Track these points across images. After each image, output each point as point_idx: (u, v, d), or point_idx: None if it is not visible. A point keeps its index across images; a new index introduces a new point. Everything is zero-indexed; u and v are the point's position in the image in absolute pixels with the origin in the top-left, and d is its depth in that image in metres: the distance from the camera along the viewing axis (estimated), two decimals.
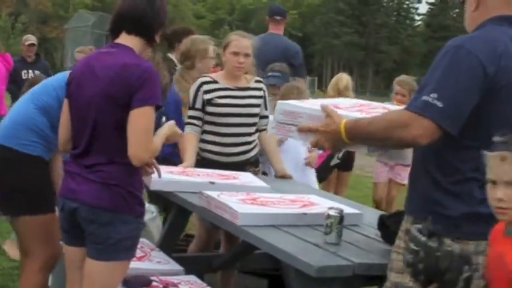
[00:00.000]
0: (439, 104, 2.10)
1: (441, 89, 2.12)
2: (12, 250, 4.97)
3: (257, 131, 4.24)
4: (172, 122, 3.07)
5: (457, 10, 66.86)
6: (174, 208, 3.90)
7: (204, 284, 3.38)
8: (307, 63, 6.52)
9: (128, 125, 2.64)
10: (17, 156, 3.35)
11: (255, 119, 4.20)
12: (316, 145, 2.46)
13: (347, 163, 6.36)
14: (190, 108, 4.16)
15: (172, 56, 5.42)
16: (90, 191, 2.68)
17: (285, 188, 3.81)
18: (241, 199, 3.17)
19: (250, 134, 4.19)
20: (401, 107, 2.40)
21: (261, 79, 4.40)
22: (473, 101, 2.13)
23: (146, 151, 2.68)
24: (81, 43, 13.28)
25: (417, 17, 75.53)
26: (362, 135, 2.32)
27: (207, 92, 4.12)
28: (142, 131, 2.64)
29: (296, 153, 4.87)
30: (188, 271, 3.51)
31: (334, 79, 6.61)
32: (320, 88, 41.46)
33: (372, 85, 64.18)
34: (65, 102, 2.88)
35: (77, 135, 2.78)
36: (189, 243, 4.48)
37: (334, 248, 2.64)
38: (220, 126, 4.11)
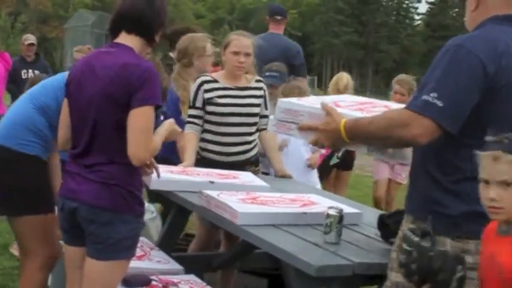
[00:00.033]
0: (439, 103, 2.10)
1: (441, 88, 2.12)
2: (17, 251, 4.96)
3: (257, 130, 4.24)
4: (171, 120, 3.07)
5: (456, 9, 66.92)
6: (174, 207, 3.90)
7: (204, 284, 3.38)
8: (306, 62, 6.51)
9: (128, 124, 2.64)
10: (15, 156, 3.35)
11: (255, 119, 4.20)
12: (316, 143, 2.46)
13: (347, 162, 6.35)
14: (190, 107, 4.16)
15: (174, 56, 5.41)
16: (90, 190, 2.68)
17: (285, 187, 3.81)
18: (241, 198, 3.17)
19: (250, 134, 4.19)
20: (403, 105, 2.40)
21: (262, 79, 4.40)
22: (474, 100, 2.13)
23: (146, 151, 2.67)
24: (81, 43, 13.26)
25: (417, 17, 75.61)
26: (362, 134, 2.32)
27: (207, 91, 4.12)
28: (142, 130, 2.64)
29: (299, 156, 4.90)
30: (188, 270, 3.51)
31: (334, 78, 6.61)
32: (320, 87, 41.48)
33: (372, 84, 64.16)
34: (65, 101, 2.88)
35: (77, 135, 2.78)
36: (188, 242, 4.48)
37: (334, 248, 2.64)
38: (221, 126, 4.11)
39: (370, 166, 6.73)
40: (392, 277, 2.34)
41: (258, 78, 4.34)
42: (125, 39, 2.80)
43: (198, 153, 4.13)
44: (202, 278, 3.51)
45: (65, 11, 45.35)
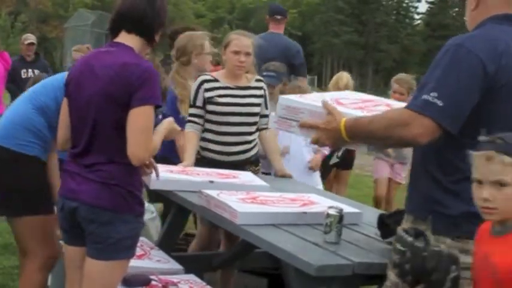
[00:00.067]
0: (439, 103, 2.10)
1: (441, 87, 2.12)
2: None
3: (257, 130, 4.24)
4: (170, 119, 3.07)
5: (456, 9, 66.92)
6: (174, 207, 3.90)
7: (204, 283, 3.37)
8: (306, 62, 6.51)
9: (128, 124, 2.63)
10: (14, 157, 3.35)
11: (256, 118, 4.20)
12: (316, 142, 2.46)
13: (347, 161, 6.35)
14: (191, 106, 4.16)
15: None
16: (90, 190, 2.68)
17: (285, 187, 3.81)
18: (241, 198, 3.16)
19: (250, 133, 4.19)
20: (404, 103, 2.40)
21: (262, 78, 4.40)
22: (474, 99, 2.13)
23: (146, 151, 2.67)
24: (80, 42, 13.25)
25: (417, 16, 75.61)
26: (362, 133, 2.31)
27: (207, 90, 4.12)
28: (142, 130, 2.64)
29: (301, 159, 4.91)
30: (188, 270, 3.51)
31: (334, 78, 6.61)
32: (320, 87, 41.47)
33: (372, 84, 64.12)
34: (64, 101, 2.88)
35: (77, 135, 2.78)
36: (188, 242, 4.48)
37: (333, 247, 2.64)
38: (221, 125, 4.11)
39: (370, 166, 6.73)
40: (392, 277, 2.33)
41: (259, 77, 4.35)
42: (125, 38, 2.79)
43: (198, 153, 4.13)
44: (202, 278, 3.51)
45: (65, 10, 45.33)
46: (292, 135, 4.73)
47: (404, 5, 73.95)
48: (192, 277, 3.41)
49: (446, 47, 2.20)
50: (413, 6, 74.18)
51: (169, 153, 4.28)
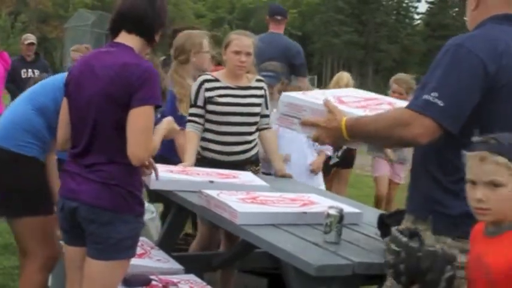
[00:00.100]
0: (440, 103, 2.10)
1: (442, 87, 2.11)
2: None
3: (258, 130, 4.24)
4: (169, 119, 3.07)
5: (456, 9, 66.86)
6: (174, 207, 3.90)
7: (204, 283, 3.38)
8: (307, 62, 6.51)
9: (128, 124, 2.63)
10: (13, 157, 3.34)
11: (256, 118, 4.20)
12: (317, 140, 2.47)
13: (347, 160, 6.35)
14: (191, 106, 4.16)
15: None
16: (90, 190, 2.68)
17: (285, 187, 3.81)
18: (241, 198, 3.16)
19: (250, 133, 4.19)
20: (406, 102, 2.39)
21: (262, 78, 4.40)
22: (474, 99, 2.13)
23: (146, 151, 2.67)
24: (81, 42, 13.23)
25: (416, 16, 75.48)
26: (362, 133, 2.32)
27: (208, 89, 4.12)
28: (142, 130, 2.64)
29: (303, 161, 4.91)
30: (188, 270, 3.51)
31: (335, 77, 6.61)
32: (320, 87, 41.40)
33: (372, 84, 64.02)
34: (64, 101, 2.88)
35: (77, 135, 2.78)
36: (188, 242, 4.48)
37: (333, 247, 2.64)
38: (221, 125, 4.11)
39: (371, 166, 6.73)
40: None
41: (259, 77, 4.35)
42: (125, 38, 2.79)
43: (198, 152, 4.13)
44: (202, 278, 3.51)
45: (65, 10, 45.30)
46: (293, 141, 4.76)
47: (404, 5, 73.88)
48: (192, 277, 3.41)
49: (446, 47, 2.20)
50: (413, 6, 74.12)
51: (168, 153, 4.28)
